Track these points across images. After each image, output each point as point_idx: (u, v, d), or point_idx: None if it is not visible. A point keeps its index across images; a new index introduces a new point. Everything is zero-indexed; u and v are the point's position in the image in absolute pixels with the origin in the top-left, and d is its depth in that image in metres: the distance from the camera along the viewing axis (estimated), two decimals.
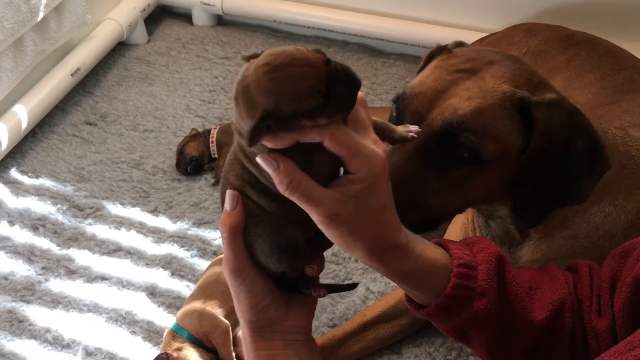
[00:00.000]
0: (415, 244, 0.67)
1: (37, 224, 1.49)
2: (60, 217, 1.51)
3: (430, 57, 0.91)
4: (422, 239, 0.69)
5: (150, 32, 2.11)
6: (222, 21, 2.17)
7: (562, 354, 0.73)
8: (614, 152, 0.90)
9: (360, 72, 1.59)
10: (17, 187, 1.59)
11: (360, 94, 0.62)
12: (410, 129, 0.68)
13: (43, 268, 1.40)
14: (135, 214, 1.52)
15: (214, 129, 1.63)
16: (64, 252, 1.43)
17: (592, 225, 0.90)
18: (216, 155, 1.61)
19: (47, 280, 1.38)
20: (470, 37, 1.53)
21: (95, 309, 1.32)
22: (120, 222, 1.50)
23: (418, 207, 0.82)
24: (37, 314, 1.31)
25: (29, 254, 1.43)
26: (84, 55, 1.84)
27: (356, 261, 1.38)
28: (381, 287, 1.33)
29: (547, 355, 0.73)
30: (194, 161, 1.59)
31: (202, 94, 1.86)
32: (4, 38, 1.51)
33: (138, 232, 1.47)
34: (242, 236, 0.67)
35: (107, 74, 1.95)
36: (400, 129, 0.68)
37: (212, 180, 1.59)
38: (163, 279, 1.37)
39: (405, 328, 1.20)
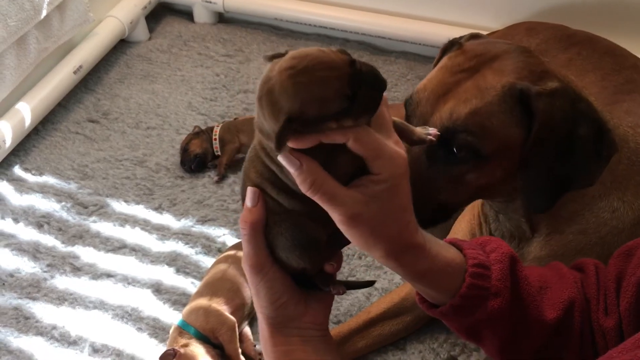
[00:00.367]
0: (431, 245, 0.68)
1: (42, 222, 1.50)
2: (64, 215, 1.52)
3: (444, 52, 0.93)
4: (437, 239, 0.70)
5: (151, 30, 2.11)
6: (223, 19, 2.17)
7: (572, 352, 0.74)
8: (624, 148, 0.91)
9: None
10: (21, 185, 1.59)
11: None
12: (429, 132, 0.69)
13: (48, 265, 1.41)
14: (140, 211, 1.53)
15: (217, 126, 1.64)
16: (69, 249, 1.44)
17: (601, 220, 0.91)
18: (219, 153, 1.62)
19: (52, 277, 1.39)
20: None
21: (101, 305, 1.33)
22: (125, 220, 1.50)
23: (428, 203, 0.84)
24: (43, 311, 1.32)
25: (34, 251, 1.44)
26: (86, 53, 1.84)
27: (360, 258, 1.40)
28: (385, 284, 1.34)
29: (558, 353, 0.74)
30: (197, 158, 1.60)
31: (204, 91, 1.87)
32: (7, 36, 1.51)
33: (142, 229, 1.48)
34: (263, 233, 0.67)
35: (109, 71, 1.95)
36: (419, 130, 0.69)
37: (216, 178, 1.60)
38: (168, 276, 1.38)
39: (410, 325, 1.22)
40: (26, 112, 1.64)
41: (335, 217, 0.62)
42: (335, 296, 0.75)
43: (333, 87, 0.56)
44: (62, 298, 1.35)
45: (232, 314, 1.22)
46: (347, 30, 2.01)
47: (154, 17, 2.15)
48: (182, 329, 1.21)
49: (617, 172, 0.89)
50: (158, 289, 1.36)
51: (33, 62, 1.65)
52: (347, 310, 1.30)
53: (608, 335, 0.73)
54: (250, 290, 0.71)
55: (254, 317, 1.30)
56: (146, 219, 1.51)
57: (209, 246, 1.44)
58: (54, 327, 1.29)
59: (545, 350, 0.74)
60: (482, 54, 0.86)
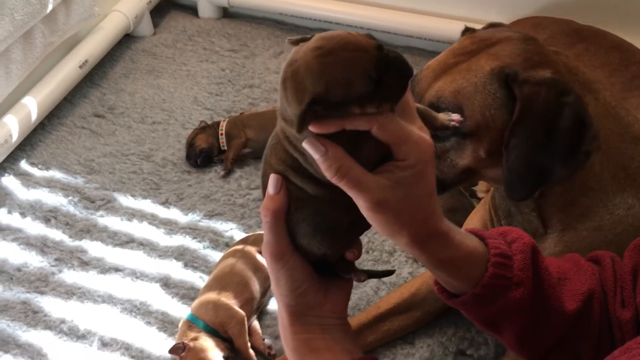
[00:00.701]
0: (454, 233, 0.67)
1: (49, 216, 1.50)
2: (71, 209, 1.52)
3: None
4: (459, 228, 0.70)
5: (155, 25, 2.11)
6: (227, 13, 2.17)
7: (590, 344, 0.74)
8: (639, 145, 0.92)
9: None
10: (27, 179, 1.59)
11: None
12: (452, 117, 0.69)
13: (56, 259, 1.41)
14: (147, 205, 1.53)
15: (223, 121, 1.64)
16: (77, 243, 1.44)
17: (616, 217, 0.91)
18: (225, 147, 1.62)
19: (60, 271, 1.39)
20: None
21: (109, 299, 1.33)
22: (132, 214, 1.51)
23: None
24: (51, 305, 1.33)
25: (41, 246, 1.44)
26: (92, 48, 1.84)
27: (367, 252, 1.40)
28: (392, 278, 1.34)
29: (576, 344, 0.74)
30: (203, 153, 1.60)
31: (209, 86, 1.87)
32: (14, 30, 1.51)
33: (150, 223, 1.48)
34: (285, 220, 0.66)
35: (114, 66, 1.95)
36: (442, 116, 0.69)
37: (222, 172, 1.60)
38: (176, 270, 1.38)
39: (419, 320, 1.22)
40: (32, 106, 1.64)
41: (361, 203, 0.61)
42: None
43: (360, 68, 0.56)
44: (70, 292, 1.35)
45: (241, 307, 1.23)
46: (351, 25, 2.00)
47: (159, 11, 2.15)
48: (192, 322, 1.21)
49: (631, 169, 0.89)
50: (166, 283, 1.36)
51: (39, 56, 1.65)
52: (356, 304, 1.30)
53: (625, 327, 0.73)
54: (270, 279, 0.71)
55: (262, 311, 1.31)
56: (153, 213, 1.51)
57: (216, 240, 1.44)
58: (63, 321, 1.30)
59: (564, 341, 0.74)
60: (487, 39, 0.90)
